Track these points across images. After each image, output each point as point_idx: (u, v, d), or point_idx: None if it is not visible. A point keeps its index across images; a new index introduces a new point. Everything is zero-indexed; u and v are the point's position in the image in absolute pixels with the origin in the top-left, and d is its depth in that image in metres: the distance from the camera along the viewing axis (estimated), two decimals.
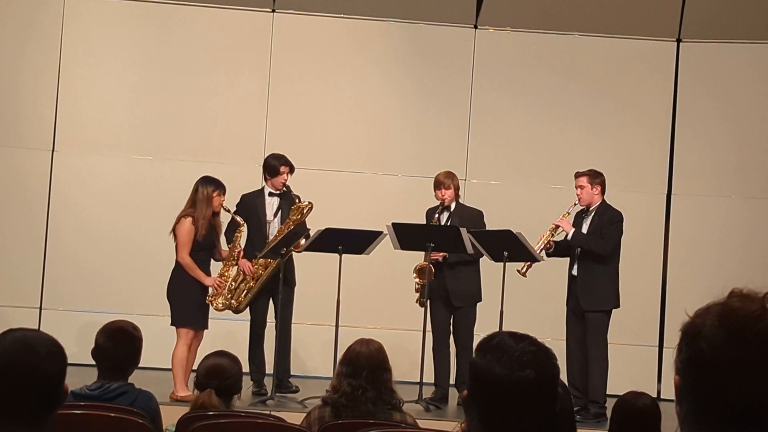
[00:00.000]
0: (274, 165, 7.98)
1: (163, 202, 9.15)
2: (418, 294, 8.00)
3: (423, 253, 7.81)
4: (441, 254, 7.94)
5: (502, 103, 9.76)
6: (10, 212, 9.41)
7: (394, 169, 9.72)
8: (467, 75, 9.77)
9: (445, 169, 8.26)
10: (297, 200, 7.90)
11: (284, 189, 7.98)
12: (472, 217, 8.06)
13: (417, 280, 7.97)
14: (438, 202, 8.10)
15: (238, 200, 8.06)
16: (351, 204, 9.33)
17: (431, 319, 8.03)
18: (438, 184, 8.08)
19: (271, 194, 8.01)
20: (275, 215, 7.98)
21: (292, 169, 7.99)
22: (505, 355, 2.05)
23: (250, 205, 8.01)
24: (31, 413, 2.17)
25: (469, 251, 7.69)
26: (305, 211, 7.87)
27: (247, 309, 8.00)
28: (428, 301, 7.88)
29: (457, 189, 8.11)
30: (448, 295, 8.01)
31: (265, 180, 8.08)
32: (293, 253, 7.86)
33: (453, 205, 8.10)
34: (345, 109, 9.74)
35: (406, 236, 7.73)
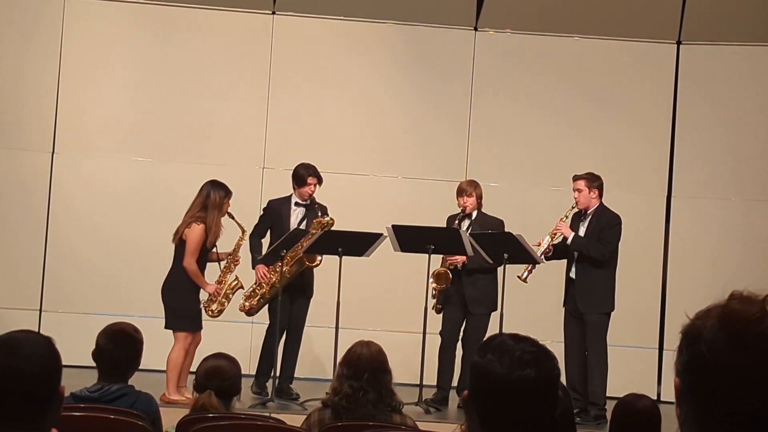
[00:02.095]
0: (302, 175, 7.89)
1: (163, 204, 9.16)
2: (434, 300, 7.99)
3: (425, 255, 7.78)
4: (460, 259, 7.93)
5: (502, 105, 9.76)
6: (11, 214, 9.41)
7: (394, 171, 9.73)
8: (467, 77, 9.77)
9: (469, 178, 8.43)
10: (320, 214, 7.85)
11: (309, 200, 7.93)
12: (493, 226, 8.05)
13: (434, 285, 7.96)
14: (459, 210, 8.12)
15: (256, 202, 8.04)
16: (351, 206, 9.32)
17: (443, 320, 8.06)
18: (460, 192, 8.11)
19: (297, 204, 7.96)
20: (299, 224, 7.90)
21: (320, 181, 7.90)
22: (505, 354, 2.05)
23: (276, 212, 7.97)
24: (19, 414, 2.17)
25: (469, 253, 7.69)
26: (326, 227, 7.80)
27: (267, 311, 7.97)
28: (443, 306, 7.99)
29: (479, 197, 8.11)
30: (464, 301, 8.02)
31: (293, 188, 7.99)
32: (311, 264, 7.82)
33: (474, 213, 8.10)
34: (345, 111, 9.74)
35: (406, 238, 7.73)
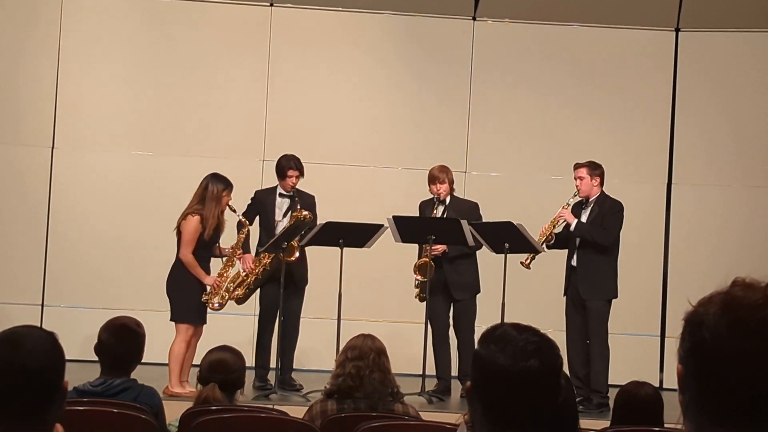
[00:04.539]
0: (283, 167, 7.90)
1: (164, 197, 9.17)
2: (417, 290, 7.99)
3: (426, 246, 7.78)
4: (441, 248, 7.93)
5: (502, 94, 9.75)
6: (11, 209, 9.41)
7: (394, 161, 9.72)
8: (466, 67, 9.76)
9: (439, 164, 8.23)
10: (298, 207, 7.81)
11: (293, 192, 7.95)
12: (468, 209, 8.06)
13: (417, 276, 7.97)
14: (431, 196, 8.10)
15: (252, 194, 8.05)
16: (351, 197, 9.33)
17: (430, 312, 8.03)
18: (432, 179, 8.07)
19: (281, 195, 7.98)
20: (284, 215, 7.93)
21: (301, 173, 7.89)
22: (508, 345, 2.05)
23: (261, 203, 7.99)
24: (22, 409, 2.17)
25: (470, 243, 7.69)
26: (302, 221, 7.79)
27: (258, 301, 7.97)
28: (428, 296, 7.93)
29: (451, 183, 8.10)
30: (447, 288, 8.02)
31: (278, 179, 8.03)
32: (299, 252, 7.79)
33: (448, 199, 8.10)
34: (344, 102, 9.73)
35: (407, 229, 7.73)
